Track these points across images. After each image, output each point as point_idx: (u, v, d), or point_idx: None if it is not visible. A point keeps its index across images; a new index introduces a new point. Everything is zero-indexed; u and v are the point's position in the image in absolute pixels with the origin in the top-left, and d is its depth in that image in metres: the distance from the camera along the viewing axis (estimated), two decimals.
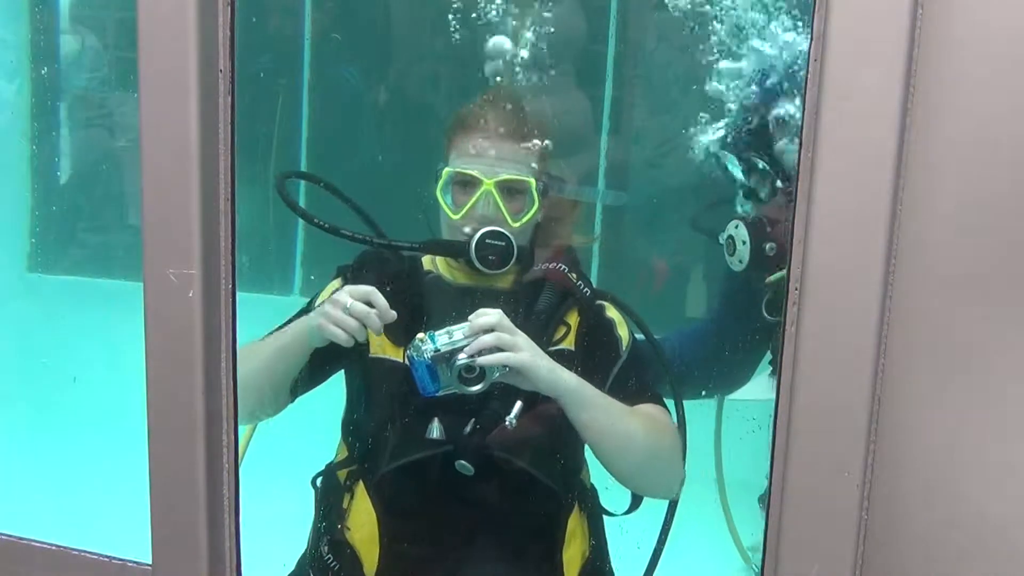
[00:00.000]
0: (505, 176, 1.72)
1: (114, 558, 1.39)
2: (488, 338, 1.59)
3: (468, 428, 1.68)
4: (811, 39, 1.02)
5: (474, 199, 1.72)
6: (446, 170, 1.73)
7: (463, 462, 1.67)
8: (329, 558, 1.68)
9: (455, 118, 1.77)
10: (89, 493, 3.51)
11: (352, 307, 1.60)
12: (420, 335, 1.61)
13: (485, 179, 1.71)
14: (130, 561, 1.38)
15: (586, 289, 1.79)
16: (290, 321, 1.75)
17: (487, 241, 1.72)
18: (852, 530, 1.08)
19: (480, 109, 1.76)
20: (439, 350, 1.59)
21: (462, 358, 1.58)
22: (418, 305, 1.72)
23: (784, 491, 1.09)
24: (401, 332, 1.68)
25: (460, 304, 1.73)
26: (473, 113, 1.76)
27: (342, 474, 1.73)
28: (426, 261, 1.82)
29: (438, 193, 1.74)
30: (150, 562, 1.33)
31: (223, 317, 1.26)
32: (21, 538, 1.45)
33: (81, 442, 3.90)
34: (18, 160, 4.61)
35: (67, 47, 4.68)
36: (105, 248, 4.63)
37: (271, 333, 1.74)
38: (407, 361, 1.61)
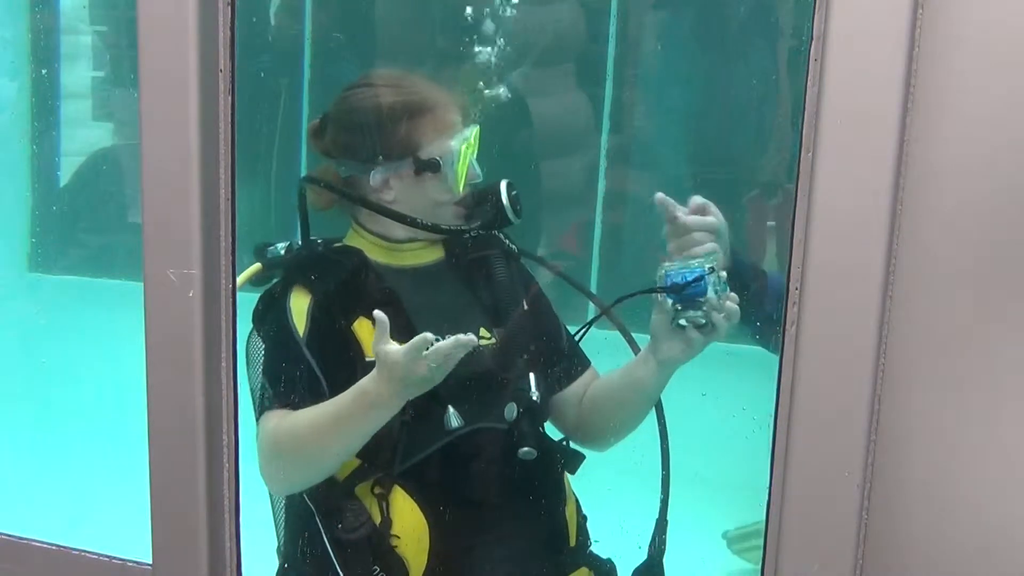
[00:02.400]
0: (474, 129, 1.75)
1: (114, 558, 1.39)
2: (734, 305, 1.60)
3: (514, 413, 1.69)
4: (811, 39, 1.02)
5: (464, 166, 1.72)
6: (465, 146, 1.71)
7: (527, 448, 1.68)
8: (376, 569, 1.66)
9: (419, 102, 1.73)
10: (89, 493, 3.51)
11: (434, 354, 1.54)
12: (710, 266, 1.57)
13: (472, 139, 1.74)
14: (130, 561, 1.38)
15: (513, 246, 1.80)
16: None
17: (514, 193, 1.74)
18: (852, 530, 1.08)
19: (438, 87, 1.77)
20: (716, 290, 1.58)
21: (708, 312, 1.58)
22: (392, 296, 1.70)
23: (784, 491, 1.09)
24: (395, 330, 1.68)
25: (426, 286, 1.73)
26: (438, 92, 1.76)
27: (364, 487, 1.70)
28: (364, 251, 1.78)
29: (458, 170, 1.69)
30: (150, 562, 1.33)
31: (223, 317, 1.26)
32: (21, 538, 1.45)
33: (81, 442, 3.89)
34: (18, 160, 4.61)
35: (68, 46, 4.68)
36: (105, 248, 4.63)
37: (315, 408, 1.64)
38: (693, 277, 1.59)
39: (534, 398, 1.69)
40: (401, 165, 1.70)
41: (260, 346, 1.73)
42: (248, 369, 1.75)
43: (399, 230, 1.74)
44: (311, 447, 1.62)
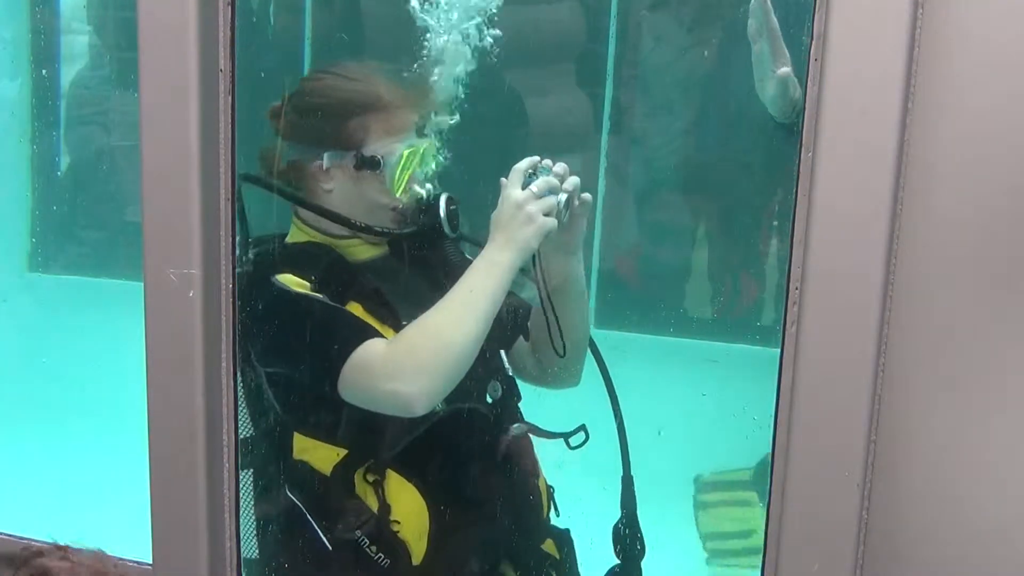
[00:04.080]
0: (428, 143, 1.75)
1: (114, 558, 1.39)
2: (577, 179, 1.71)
3: (498, 392, 1.73)
4: (811, 39, 1.02)
5: (410, 170, 1.72)
6: (410, 152, 1.72)
7: (518, 424, 1.72)
8: (380, 556, 1.67)
9: (376, 99, 1.74)
10: (89, 493, 3.52)
11: (541, 192, 1.63)
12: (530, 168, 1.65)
13: (421, 150, 1.74)
14: (130, 561, 1.38)
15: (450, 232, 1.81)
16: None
17: (451, 208, 1.74)
18: (852, 530, 1.08)
19: (396, 88, 1.77)
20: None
21: (563, 196, 1.67)
22: (375, 288, 1.72)
23: (784, 491, 1.09)
24: (386, 317, 1.69)
25: (382, 279, 1.73)
26: (395, 92, 1.76)
27: (356, 475, 1.70)
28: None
29: (398, 174, 1.70)
30: (150, 562, 1.33)
31: (223, 317, 1.26)
32: (21, 538, 1.45)
33: (81, 442, 3.90)
34: (18, 159, 4.61)
35: (68, 46, 4.68)
36: (105, 248, 4.63)
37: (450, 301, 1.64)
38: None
39: (510, 373, 1.74)
40: (344, 157, 1.71)
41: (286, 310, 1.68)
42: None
43: (336, 226, 1.75)
44: (447, 341, 1.60)
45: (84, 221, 4.77)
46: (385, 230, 1.73)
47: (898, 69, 0.99)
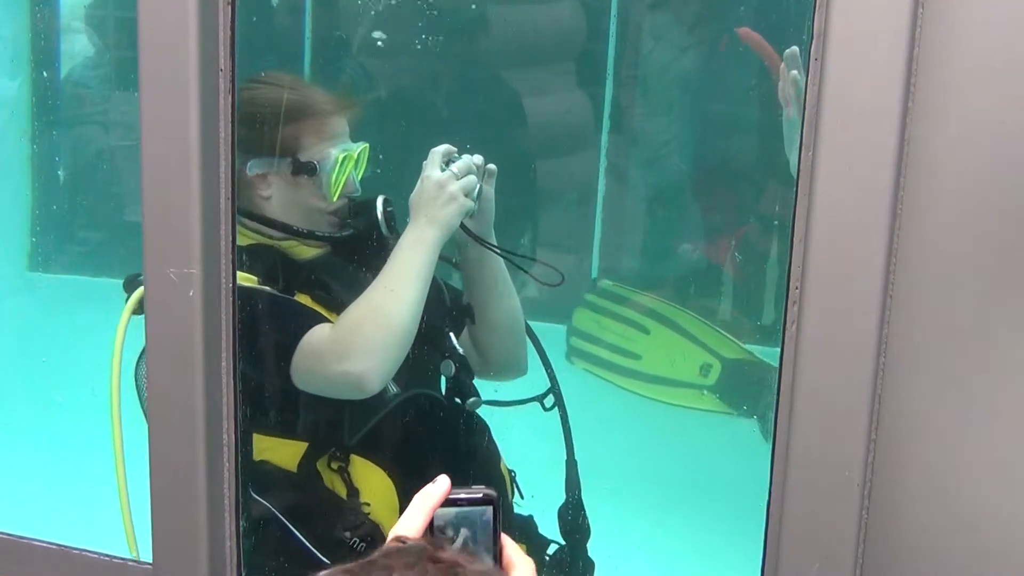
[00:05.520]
0: (362, 147, 1.78)
1: (115, 557, 1.40)
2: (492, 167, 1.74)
3: (451, 370, 1.76)
4: (811, 39, 1.02)
5: (345, 174, 1.74)
6: (344, 156, 1.74)
7: (473, 399, 1.76)
8: (355, 541, 1.69)
9: (308, 106, 1.77)
10: (89, 492, 3.52)
11: (462, 173, 1.67)
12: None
13: (355, 154, 1.77)
14: (130, 560, 1.38)
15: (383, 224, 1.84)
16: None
17: (388, 209, 1.77)
18: (852, 530, 1.08)
19: (327, 94, 1.81)
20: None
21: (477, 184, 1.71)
22: (320, 280, 1.74)
23: (784, 491, 1.09)
24: (333, 305, 1.70)
25: (340, 272, 1.76)
26: (326, 98, 1.80)
27: (321, 462, 1.71)
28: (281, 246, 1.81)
29: (334, 178, 1.72)
30: (150, 561, 1.33)
31: (223, 317, 1.26)
32: (21, 537, 1.45)
33: (81, 441, 3.90)
34: (18, 159, 4.61)
35: (68, 46, 4.68)
36: (105, 248, 4.63)
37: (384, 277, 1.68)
38: None
39: (461, 352, 1.76)
40: (281, 164, 1.73)
41: None
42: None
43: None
44: (388, 315, 1.63)
45: (84, 221, 4.77)
46: (327, 235, 1.76)
47: (898, 69, 0.99)
